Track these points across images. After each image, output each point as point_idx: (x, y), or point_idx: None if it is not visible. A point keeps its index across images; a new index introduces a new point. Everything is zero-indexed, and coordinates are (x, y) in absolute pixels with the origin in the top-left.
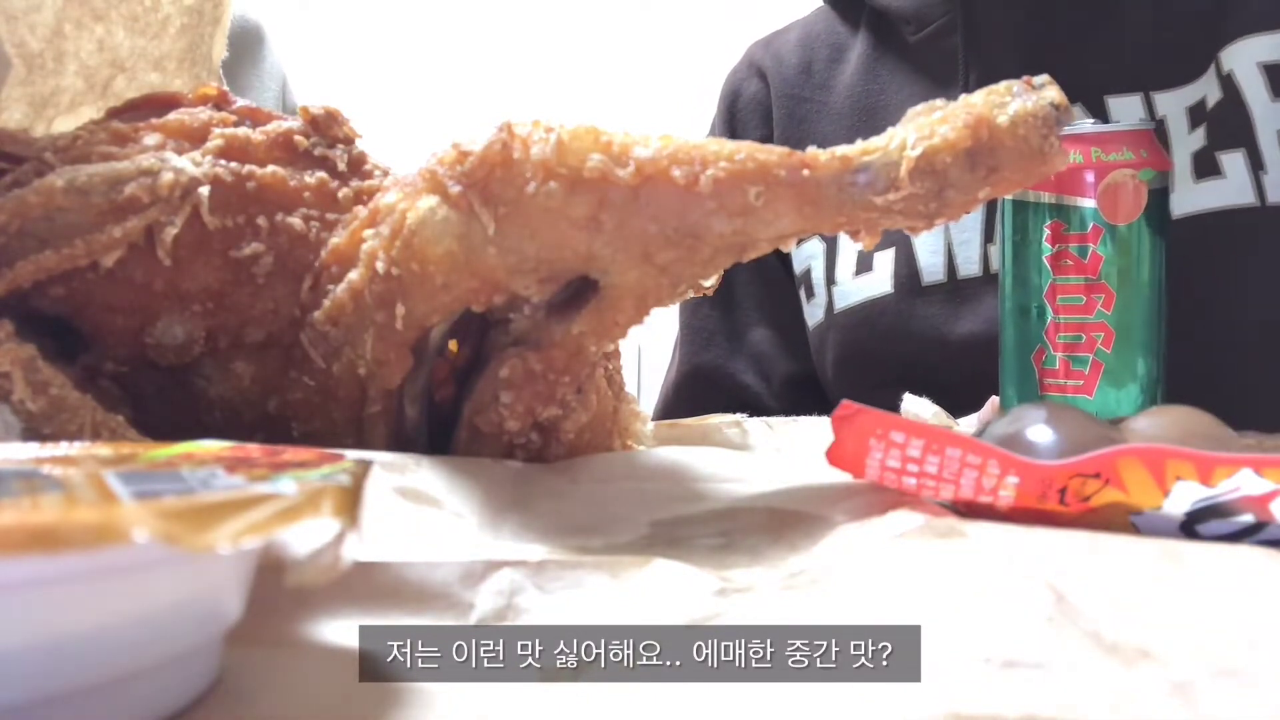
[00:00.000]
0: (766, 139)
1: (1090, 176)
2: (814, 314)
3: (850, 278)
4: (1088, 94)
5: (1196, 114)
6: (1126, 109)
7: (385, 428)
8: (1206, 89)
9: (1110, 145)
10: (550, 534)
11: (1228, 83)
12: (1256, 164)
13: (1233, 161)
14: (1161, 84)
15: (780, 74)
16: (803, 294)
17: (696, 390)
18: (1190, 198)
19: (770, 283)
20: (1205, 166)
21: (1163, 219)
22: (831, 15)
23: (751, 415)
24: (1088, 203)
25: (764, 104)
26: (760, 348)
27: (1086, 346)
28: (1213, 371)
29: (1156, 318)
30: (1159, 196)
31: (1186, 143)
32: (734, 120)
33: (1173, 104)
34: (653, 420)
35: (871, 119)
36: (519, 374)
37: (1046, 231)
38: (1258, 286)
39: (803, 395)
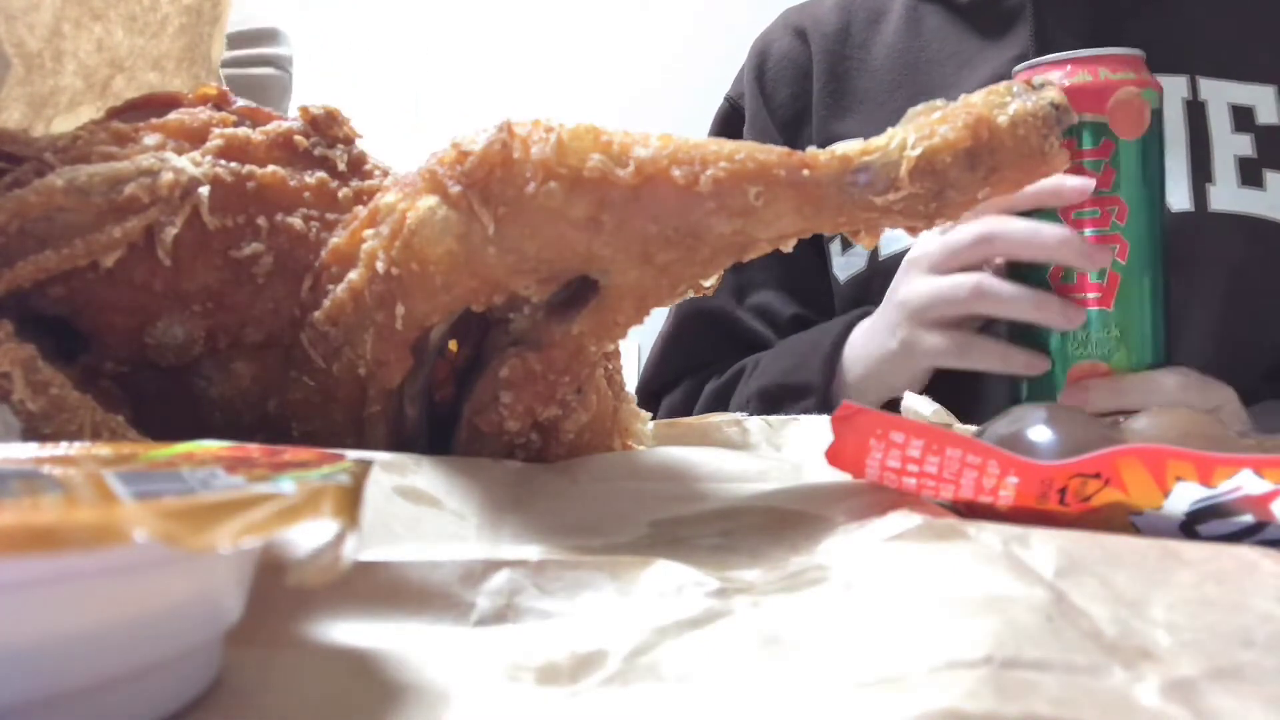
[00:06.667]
0: (798, 96)
1: (1100, 94)
2: (852, 264)
3: None
4: None
5: (1241, 118)
6: (1170, 87)
7: (385, 428)
8: (1257, 100)
9: (1116, 65)
10: (550, 534)
11: None
12: None
13: (1275, 180)
14: (1209, 72)
15: (820, 32)
16: (837, 246)
17: (699, 330)
18: (1231, 198)
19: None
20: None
21: (1161, 140)
22: None
23: (755, 353)
24: (1100, 118)
25: (797, 62)
26: (766, 303)
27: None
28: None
29: (1161, 234)
30: (1158, 118)
31: (1229, 142)
32: (763, 78)
33: (1215, 93)
34: (642, 376)
35: (914, 75)
36: (519, 374)
37: None
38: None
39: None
